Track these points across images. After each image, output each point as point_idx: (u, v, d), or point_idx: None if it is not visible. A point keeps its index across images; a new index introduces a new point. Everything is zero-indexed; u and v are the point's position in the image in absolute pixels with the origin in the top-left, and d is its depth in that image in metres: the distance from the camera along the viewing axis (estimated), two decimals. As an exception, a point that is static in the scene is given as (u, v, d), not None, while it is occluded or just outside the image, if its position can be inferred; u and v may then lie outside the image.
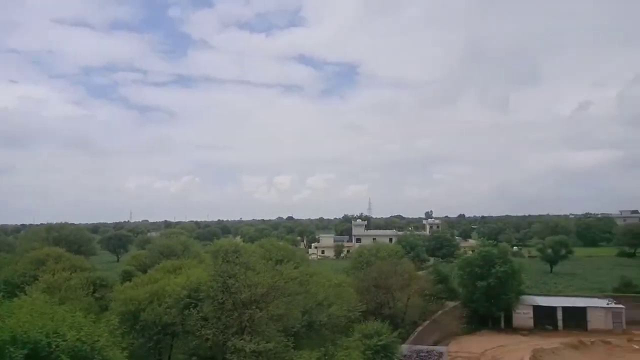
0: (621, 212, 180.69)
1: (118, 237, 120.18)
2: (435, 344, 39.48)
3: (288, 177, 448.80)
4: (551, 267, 79.80)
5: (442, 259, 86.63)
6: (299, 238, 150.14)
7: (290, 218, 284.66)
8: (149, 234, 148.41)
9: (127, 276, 36.53)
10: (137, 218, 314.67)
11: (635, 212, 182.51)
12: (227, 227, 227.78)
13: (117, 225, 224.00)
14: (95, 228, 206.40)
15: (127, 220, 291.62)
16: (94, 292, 30.43)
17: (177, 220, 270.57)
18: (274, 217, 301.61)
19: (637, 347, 40.41)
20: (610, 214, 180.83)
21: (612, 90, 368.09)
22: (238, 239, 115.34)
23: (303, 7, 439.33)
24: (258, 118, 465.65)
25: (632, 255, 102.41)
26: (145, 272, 35.67)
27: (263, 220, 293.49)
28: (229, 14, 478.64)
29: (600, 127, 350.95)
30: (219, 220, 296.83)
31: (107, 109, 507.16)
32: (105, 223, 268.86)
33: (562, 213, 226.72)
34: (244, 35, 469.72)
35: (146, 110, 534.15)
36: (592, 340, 42.38)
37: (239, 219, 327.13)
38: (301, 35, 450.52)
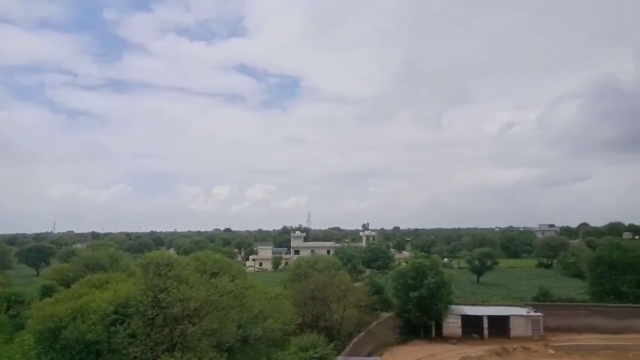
0: (540, 225, 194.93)
1: (38, 249, 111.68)
2: (369, 354, 40.07)
3: (226, 187, 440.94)
4: (478, 278, 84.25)
5: (377, 270, 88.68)
6: (236, 250, 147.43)
7: (227, 230, 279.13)
8: (74, 246, 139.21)
9: (47, 291, 34.01)
10: (61, 229, 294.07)
11: (552, 226, 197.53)
12: (160, 238, 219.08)
13: (38, 237, 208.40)
14: (12, 239, 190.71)
15: (50, 231, 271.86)
16: (7, 309, 28.02)
17: (106, 232, 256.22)
18: (210, 229, 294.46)
19: (552, 352, 43.48)
20: (531, 228, 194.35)
21: (532, 112, 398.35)
22: (171, 251, 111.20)
23: (245, 17, 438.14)
24: (197, 126, 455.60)
25: (549, 266, 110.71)
26: (68, 286, 33.38)
27: (199, 231, 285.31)
28: (168, 20, 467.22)
29: (522, 146, 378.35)
30: (151, 231, 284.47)
31: (31, 111, 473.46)
32: (25, 234, 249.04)
33: (488, 226, 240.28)
34: (183, 42, 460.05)
35: (75, 115, 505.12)
36: (514, 346, 45.00)
37: (173, 230, 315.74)
38: (243, 45, 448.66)
